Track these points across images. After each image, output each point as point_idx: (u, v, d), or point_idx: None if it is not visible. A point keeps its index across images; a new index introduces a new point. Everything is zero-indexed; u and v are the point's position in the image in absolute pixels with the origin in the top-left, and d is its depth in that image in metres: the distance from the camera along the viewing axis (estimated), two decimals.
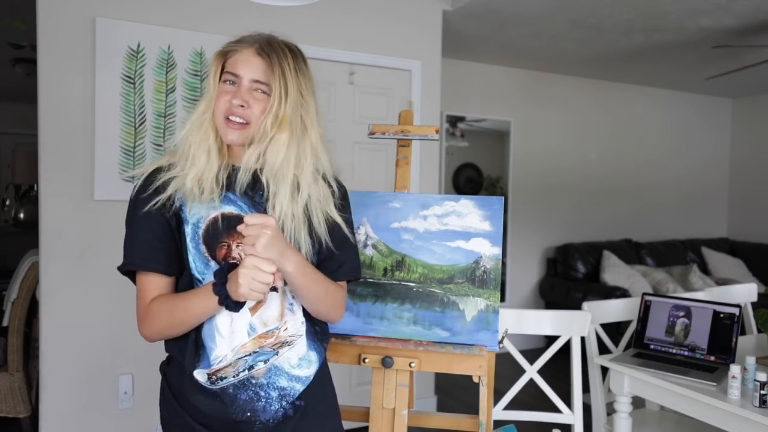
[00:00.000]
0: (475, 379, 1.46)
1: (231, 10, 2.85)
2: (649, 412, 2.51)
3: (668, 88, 5.63)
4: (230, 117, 1.15)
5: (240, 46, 1.17)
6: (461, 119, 4.70)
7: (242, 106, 1.15)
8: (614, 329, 3.36)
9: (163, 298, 1.15)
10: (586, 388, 2.79)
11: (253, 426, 1.16)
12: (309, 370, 1.21)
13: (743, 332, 2.85)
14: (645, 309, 2.25)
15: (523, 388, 2.11)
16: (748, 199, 5.95)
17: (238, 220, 1.11)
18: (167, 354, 1.23)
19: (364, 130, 3.08)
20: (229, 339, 1.14)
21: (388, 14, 3.27)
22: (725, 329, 2.09)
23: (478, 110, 4.77)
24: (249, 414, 1.15)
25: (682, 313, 2.18)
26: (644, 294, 2.28)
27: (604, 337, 2.44)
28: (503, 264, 4.58)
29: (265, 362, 1.16)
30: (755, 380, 1.74)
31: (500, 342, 1.50)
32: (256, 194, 1.19)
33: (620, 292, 4.36)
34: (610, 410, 2.24)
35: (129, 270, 1.17)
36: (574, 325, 2.10)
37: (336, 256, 1.25)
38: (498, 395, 2.22)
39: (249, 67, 1.15)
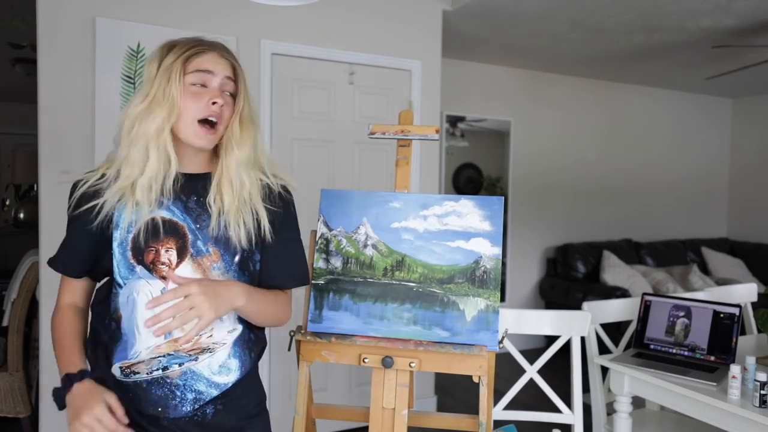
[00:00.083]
0: (475, 379, 1.45)
1: (231, 10, 2.85)
2: (649, 412, 2.51)
3: (668, 88, 5.63)
4: (209, 118, 1.15)
5: (203, 47, 1.17)
6: (461, 119, 4.70)
7: (217, 103, 1.15)
8: (614, 329, 3.36)
9: (64, 322, 1.23)
10: (586, 388, 2.79)
11: (160, 421, 1.17)
12: (228, 378, 1.20)
13: (743, 332, 2.85)
14: (645, 309, 2.25)
15: (523, 388, 2.11)
16: (748, 199, 5.95)
17: (170, 224, 1.16)
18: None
19: (364, 130, 3.09)
20: (146, 337, 1.16)
21: (388, 14, 3.27)
22: (725, 329, 2.09)
23: (478, 110, 4.77)
24: (160, 409, 1.17)
25: (682, 313, 2.18)
26: (644, 294, 2.28)
27: (604, 337, 2.44)
28: (503, 264, 4.58)
29: (180, 365, 1.16)
30: (755, 380, 1.74)
31: (500, 342, 1.50)
32: (189, 199, 1.19)
33: (620, 292, 4.36)
34: (610, 410, 2.24)
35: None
36: (574, 325, 2.10)
37: (282, 259, 1.27)
38: (498, 395, 2.22)
39: (218, 66, 1.17)
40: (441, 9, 3.43)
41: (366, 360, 1.47)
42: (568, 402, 2.11)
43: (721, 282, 5.07)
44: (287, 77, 3.04)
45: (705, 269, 5.42)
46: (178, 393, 1.17)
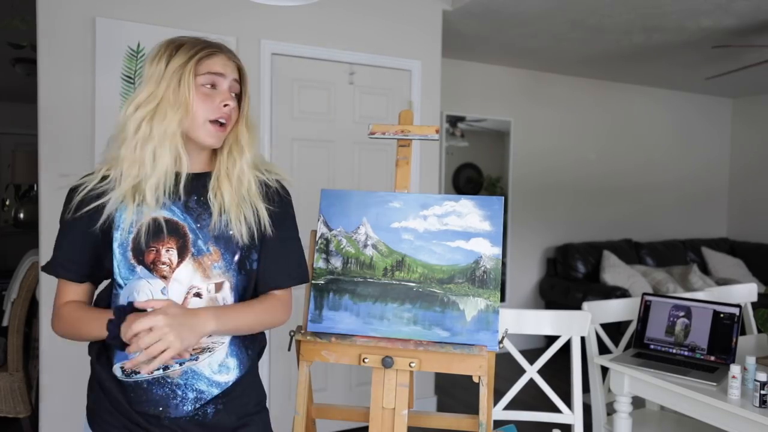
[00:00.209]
0: (475, 379, 1.45)
1: (231, 10, 2.85)
2: (649, 412, 2.51)
3: (668, 88, 5.63)
4: (219, 120, 1.17)
5: (214, 50, 1.18)
6: (461, 119, 4.70)
7: (229, 105, 1.18)
8: (614, 329, 3.36)
9: (73, 308, 1.19)
10: (586, 388, 2.79)
11: (162, 420, 1.17)
12: (227, 377, 1.21)
13: (743, 332, 2.85)
14: (645, 309, 2.25)
15: (523, 388, 2.11)
16: (748, 199, 5.95)
17: (171, 224, 1.16)
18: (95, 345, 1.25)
19: (364, 130, 3.08)
20: None
21: (388, 14, 3.27)
22: (725, 329, 2.09)
23: (478, 110, 4.76)
24: (161, 409, 1.16)
25: (682, 313, 2.18)
26: (644, 294, 2.28)
27: (604, 337, 2.44)
28: (503, 264, 4.58)
29: (181, 365, 1.17)
30: (755, 380, 1.74)
31: (500, 342, 1.50)
32: (190, 198, 1.19)
33: (620, 292, 4.36)
34: (610, 410, 2.24)
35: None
36: (574, 325, 2.10)
37: (280, 257, 1.27)
38: (498, 395, 2.22)
39: (228, 69, 1.19)
40: (441, 9, 3.43)
41: (366, 360, 1.47)
42: (568, 402, 2.11)
43: (721, 282, 5.07)
44: (287, 77, 3.04)
45: (705, 269, 5.42)
46: (179, 392, 1.17)
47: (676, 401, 1.95)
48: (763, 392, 1.71)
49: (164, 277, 1.16)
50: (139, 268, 1.16)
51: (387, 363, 1.45)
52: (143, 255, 1.16)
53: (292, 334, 1.51)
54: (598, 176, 5.35)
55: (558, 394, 2.12)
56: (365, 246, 1.58)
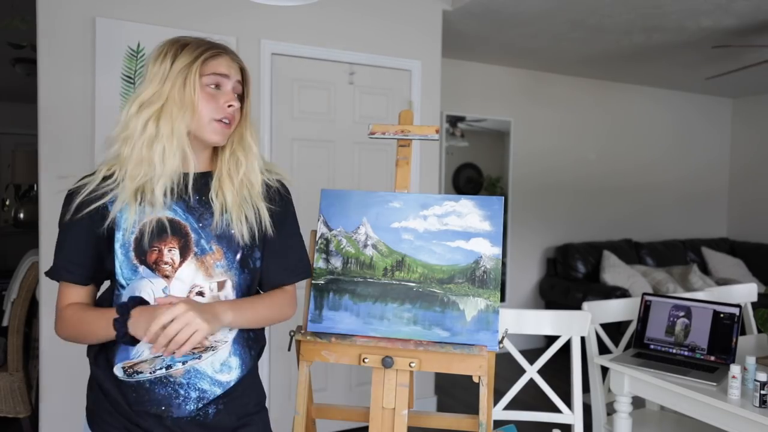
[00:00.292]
0: (475, 379, 1.45)
1: (231, 10, 2.85)
2: (649, 412, 2.51)
3: (668, 88, 5.63)
4: (223, 119, 1.18)
5: (218, 50, 1.19)
6: (461, 119, 4.70)
7: (233, 106, 1.20)
8: (614, 329, 3.36)
9: (75, 309, 1.18)
10: (586, 388, 2.79)
11: (164, 420, 1.17)
12: (229, 376, 1.21)
13: (743, 332, 2.85)
14: (645, 309, 2.25)
15: (523, 388, 2.11)
16: (748, 199, 5.95)
17: (173, 223, 1.16)
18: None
19: (364, 130, 3.08)
20: None
21: (388, 14, 3.27)
22: (725, 329, 2.09)
23: (478, 110, 4.77)
24: (163, 408, 1.16)
25: (682, 313, 2.18)
26: (644, 294, 2.28)
27: (604, 337, 2.44)
28: (503, 264, 4.58)
29: (184, 363, 1.17)
30: (755, 380, 1.74)
31: (500, 342, 1.50)
32: (192, 198, 1.20)
33: (620, 292, 4.36)
34: (610, 410, 2.24)
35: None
36: (574, 325, 2.10)
37: (283, 255, 1.29)
38: (498, 395, 2.22)
39: (232, 70, 1.20)
40: (441, 9, 3.43)
41: (366, 360, 1.47)
42: (568, 402, 2.11)
43: (721, 282, 5.07)
44: (287, 77, 3.04)
45: (705, 269, 5.42)
46: (182, 392, 1.17)
47: (676, 401, 1.95)
48: (763, 392, 1.71)
49: (166, 277, 1.16)
50: (142, 268, 1.16)
51: (387, 363, 1.45)
52: (146, 255, 1.16)
53: (292, 334, 1.51)
54: (598, 176, 5.35)
55: (558, 394, 2.12)
56: (365, 246, 1.58)
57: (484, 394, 1.46)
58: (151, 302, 1.14)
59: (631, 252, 5.16)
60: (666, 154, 5.72)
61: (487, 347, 1.45)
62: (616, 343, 2.55)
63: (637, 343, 2.24)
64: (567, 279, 4.89)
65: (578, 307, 2.36)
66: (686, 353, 2.13)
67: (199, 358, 1.18)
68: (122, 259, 1.16)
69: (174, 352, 1.06)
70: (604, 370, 2.31)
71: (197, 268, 1.17)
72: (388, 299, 1.53)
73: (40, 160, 2.50)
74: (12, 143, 6.29)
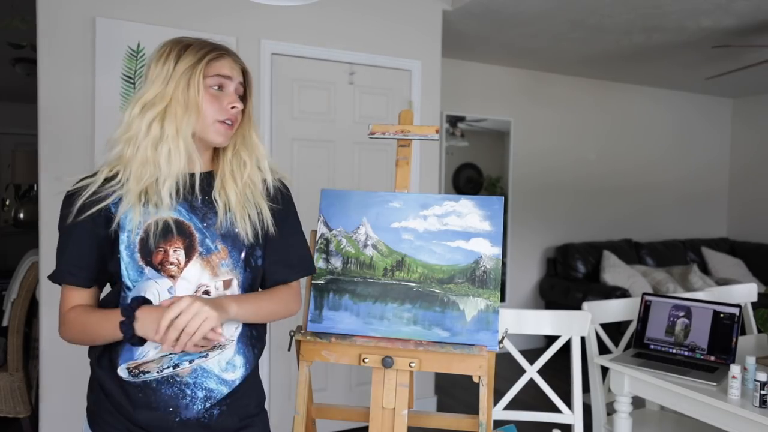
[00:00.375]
0: (475, 379, 1.45)
1: (231, 10, 2.85)
2: (649, 412, 2.51)
3: (668, 88, 5.63)
4: (226, 121, 1.19)
5: (222, 52, 1.20)
6: (461, 119, 4.70)
7: (236, 108, 1.20)
8: (614, 329, 3.36)
9: (80, 311, 1.18)
10: (586, 388, 2.79)
11: (172, 422, 1.16)
12: (234, 374, 1.21)
13: (743, 332, 2.85)
14: (645, 309, 2.25)
15: (523, 388, 2.11)
16: (748, 199, 5.95)
17: (177, 224, 1.16)
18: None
19: (364, 130, 3.08)
20: None
21: (388, 14, 3.27)
22: (725, 329, 2.09)
23: (478, 110, 4.77)
24: (171, 409, 1.16)
25: (682, 313, 2.18)
26: (644, 294, 2.28)
27: (604, 337, 2.44)
28: (503, 264, 4.59)
29: (191, 362, 1.16)
30: (755, 380, 1.74)
31: (500, 342, 1.50)
32: (195, 198, 1.20)
33: (620, 292, 4.36)
34: (610, 410, 2.24)
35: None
36: (574, 325, 2.10)
37: (285, 252, 1.30)
38: (498, 395, 2.22)
39: (234, 72, 1.21)
40: (441, 9, 3.43)
41: (366, 360, 1.47)
42: (568, 402, 2.11)
43: (721, 282, 5.07)
44: (287, 77, 3.04)
45: (705, 269, 5.42)
46: (189, 392, 1.17)
47: (676, 401, 1.95)
48: (763, 392, 1.71)
49: (172, 277, 1.16)
50: (147, 269, 1.15)
51: (387, 363, 1.45)
52: (151, 256, 1.15)
53: (292, 334, 1.51)
54: (598, 176, 5.35)
55: (558, 394, 2.12)
56: (365, 246, 1.58)
57: (484, 394, 1.46)
58: (156, 303, 1.14)
59: (631, 252, 5.16)
60: (666, 154, 5.72)
61: (487, 347, 1.45)
62: (616, 343, 2.55)
63: (637, 343, 2.24)
64: (567, 279, 4.89)
65: (578, 307, 2.36)
66: (686, 353, 2.13)
67: (206, 357, 1.18)
68: (128, 261, 1.16)
69: (186, 347, 1.06)
70: (604, 370, 2.31)
71: (203, 268, 1.18)
72: (388, 299, 1.53)
73: (40, 160, 2.50)
74: (12, 143, 6.29)
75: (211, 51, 1.18)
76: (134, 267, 1.16)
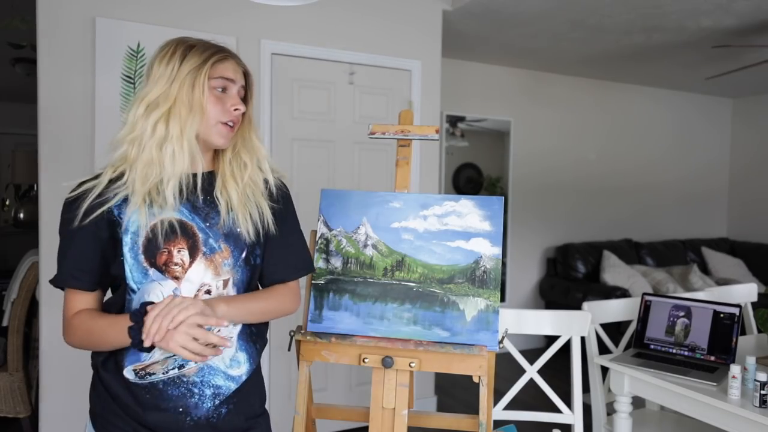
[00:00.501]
0: (475, 379, 1.45)
1: (231, 10, 2.85)
2: (649, 412, 2.51)
3: (668, 88, 5.63)
4: (228, 122, 1.20)
5: (225, 54, 1.20)
6: (461, 119, 4.70)
7: (239, 110, 1.21)
8: (614, 329, 3.36)
9: (85, 316, 1.16)
10: (586, 388, 2.79)
11: (184, 423, 1.16)
12: (240, 370, 1.22)
13: (743, 332, 2.85)
14: (645, 309, 2.25)
15: (523, 388, 2.11)
16: (748, 199, 5.95)
17: (182, 224, 1.17)
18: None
19: (364, 130, 3.08)
20: None
21: (388, 14, 3.27)
22: (725, 329, 2.09)
23: (478, 110, 4.77)
24: (181, 409, 1.16)
25: (682, 313, 2.18)
26: (644, 294, 2.28)
27: (604, 337, 2.44)
28: (503, 264, 4.59)
29: (196, 362, 1.16)
30: (755, 380, 1.74)
31: (500, 342, 1.50)
32: (197, 198, 1.20)
33: (620, 292, 4.36)
34: (610, 410, 2.24)
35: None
36: (574, 325, 2.10)
37: (284, 252, 1.30)
38: (498, 395, 2.22)
39: (237, 74, 1.22)
40: (441, 9, 3.43)
41: (366, 360, 1.47)
42: (568, 402, 2.11)
43: (721, 282, 5.07)
44: (287, 77, 3.04)
45: (705, 269, 5.42)
46: (196, 390, 1.17)
47: (676, 401, 1.95)
48: (763, 392, 1.71)
49: (176, 278, 1.16)
50: (152, 271, 1.15)
51: (387, 363, 1.45)
52: (155, 257, 1.15)
53: (292, 334, 1.51)
54: (598, 176, 5.35)
55: (558, 394, 2.12)
56: (365, 246, 1.58)
57: (484, 394, 1.46)
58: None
59: (631, 252, 5.16)
60: (666, 154, 5.72)
61: (487, 347, 1.45)
62: (616, 343, 2.55)
63: (637, 343, 2.24)
64: (567, 279, 4.89)
65: (578, 307, 2.36)
66: (686, 353, 2.13)
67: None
68: (132, 263, 1.15)
69: (173, 343, 1.05)
70: (604, 370, 2.31)
71: (206, 267, 1.18)
72: (388, 299, 1.53)
73: (40, 160, 2.50)
74: (12, 143, 6.29)
75: (216, 53, 1.18)
76: (138, 269, 1.15)
